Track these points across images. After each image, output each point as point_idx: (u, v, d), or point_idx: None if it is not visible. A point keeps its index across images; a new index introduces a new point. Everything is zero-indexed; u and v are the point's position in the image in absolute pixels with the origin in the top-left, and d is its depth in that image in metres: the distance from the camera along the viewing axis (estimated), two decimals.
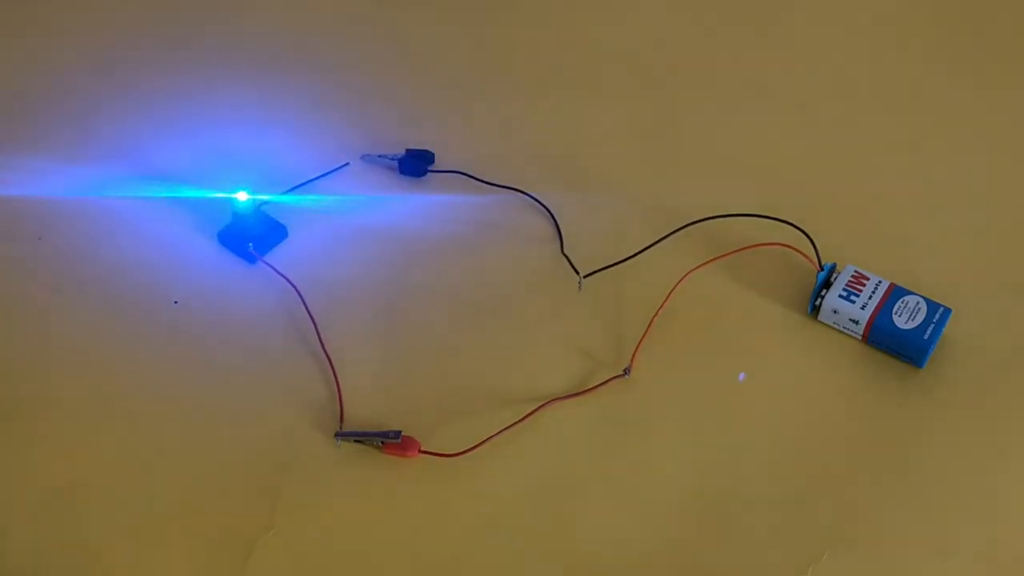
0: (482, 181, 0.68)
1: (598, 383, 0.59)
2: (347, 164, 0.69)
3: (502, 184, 0.68)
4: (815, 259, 0.63)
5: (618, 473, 0.57)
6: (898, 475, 0.56)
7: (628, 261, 0.64)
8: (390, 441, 0.56)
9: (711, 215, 0.65)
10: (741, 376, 0.60)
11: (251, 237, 0.65)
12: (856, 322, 0.60)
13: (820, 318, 0.62)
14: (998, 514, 0.55)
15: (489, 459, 0.56)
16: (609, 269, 0.64)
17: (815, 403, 0.59)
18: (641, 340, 0.61)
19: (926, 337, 0.59)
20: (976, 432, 0.58)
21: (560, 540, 0.54)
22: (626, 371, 0.60)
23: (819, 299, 0.61)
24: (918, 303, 0.60)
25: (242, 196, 0.65)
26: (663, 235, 0.65)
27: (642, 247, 0.64)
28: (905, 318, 0.60)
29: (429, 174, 0.69)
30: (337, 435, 0.57)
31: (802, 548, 0.54)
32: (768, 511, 0.55)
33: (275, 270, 0.64)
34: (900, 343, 0.60)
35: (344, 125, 0.72)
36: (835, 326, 0.62)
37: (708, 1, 0.83)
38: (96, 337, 0.62)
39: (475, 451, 0.56)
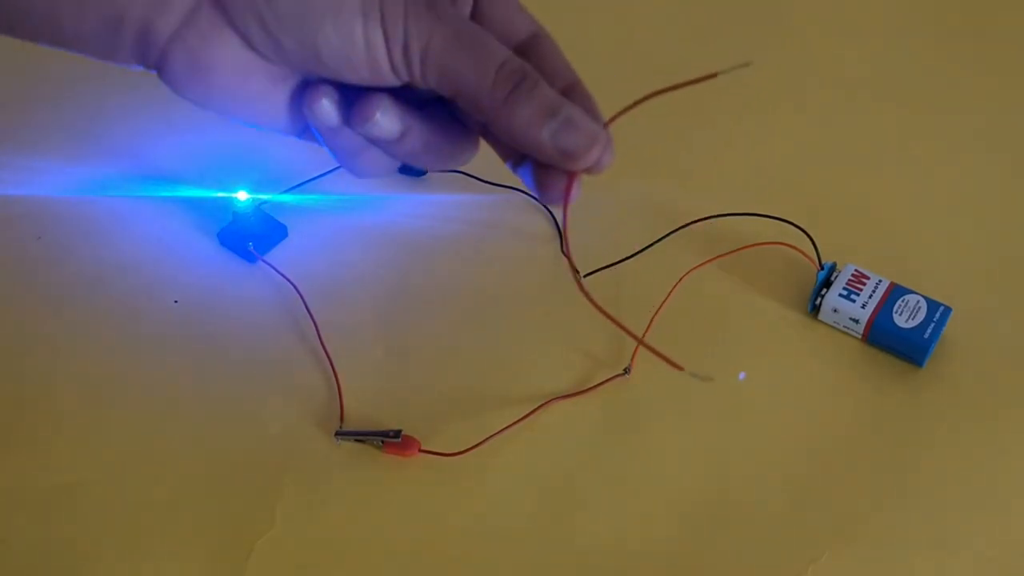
0: (482, 181, 0.68)
1: (598, 383, 0.59)
2: None
3: (502, 184, 0.68)
4: (815, 258, 0.63)
5: (618, 473, 0.57)
6: (898, 474, 0.56)
7: (628, 261, 0.64)
8: (390, 440, 0.56)
9: (711, 215, 0.65)
10: (741, 376, 0.60)
11: (251, 237, 0.65)
12: (856, 321, 0.60)
13: (820, 317, 0.62)
14: (999, 513, 0.55)
15: (489, 459, 0.56)
16: (609, 269, 0.64)
17: (815, 402, 0.59)
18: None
19: (926, 336, 0.59)
20: (976, 431, 0.58)
21: (560, 539, 0.54)
22: (626, 371, 0.60)
23: (819, 298, 0.61)
24: (918, 302, 0.60)
25: (242, 196, 0.65)
26: (663, 235, 0.65)
27: (642, 247, 0.64)
28: (905, 317, 0.60)
29: (429, 174, 0.69)
30: (337, 434, 0.57)
31: (802, 548, 0.54)
32: (768, 510, 0.55)
33: (275, 269, 0.64)
34: (900, 342, 0.60)
35: None
36: (835, 325, 0.62)
37: (709, 1, 0.83)
38: (96, 337, 0.62)
39: (475, 451, 0.56)
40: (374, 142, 0.38)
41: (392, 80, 0.36)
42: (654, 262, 0.64)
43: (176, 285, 0.64)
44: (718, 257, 0.64)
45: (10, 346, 0.62)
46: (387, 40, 0.35)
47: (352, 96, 0.37)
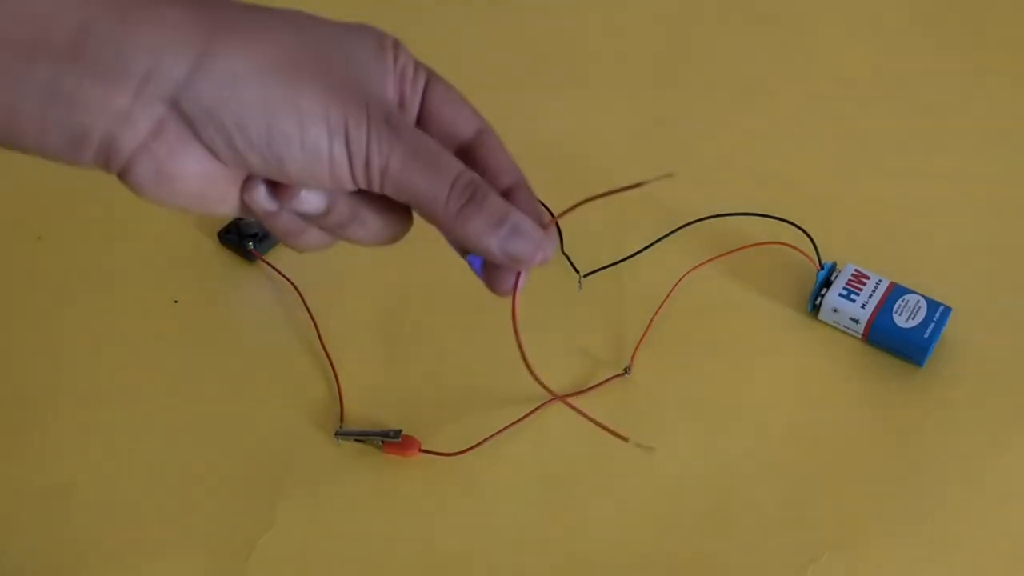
0: None
1: (598, 383, 0.59)
2: None
3: None
4: (815, 258, 0.63)
5: (618, 473, 0.57)
6: (898, 474, 0.56)
7: (628, 260, 0.64)
8: (390, 440, 0.56)
9: (711, 214, 0.65)
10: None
11: (251, 237, 0.65)
12: (856, 321, 0.60)
13: (820, 317, 0.62)
14: (999, 513, 0.55)
15: (489, 459, 0.56)
16: (609, 268, 0.64)
17: (815, 402, 0.59)
18: (641, 339, 0.61)
19: (926, 336, 0.59)
20: (976, 431, 0.58)
21: (560, 540, 0.54)
22: (626, 370, 0.60)
23: (819, 298, 0.61)
24: (918, 302, 0.60)
25: None
26: (663, 235, 0.65)
27: (642, 246, 0.64)
28: (905, 317, 0.60)
29: None
30: (337, 434, 0.57)
31: (802, 548, 0.54)
32: (768, 510, 0.55)
33: (275, 270, 0.64)
34: (900, 342, 0.60)
35: None
36: (835, 325, 0.62)
37: (708, 1, 0.83)
38: (96, 337, 0.62)
39: (475, 450, 0.56)
40: (305, 217, 0.39)
41: (351, 187, 0.38)
42: (654, 262, 0.64)
43: (176, 285, 0.64)
44: (718, 257, 0.64)
45: (10, 346, 0.62)
46: (351, 159, 0.36)
47: None
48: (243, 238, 0.65)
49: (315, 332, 0.61)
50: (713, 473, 0.56)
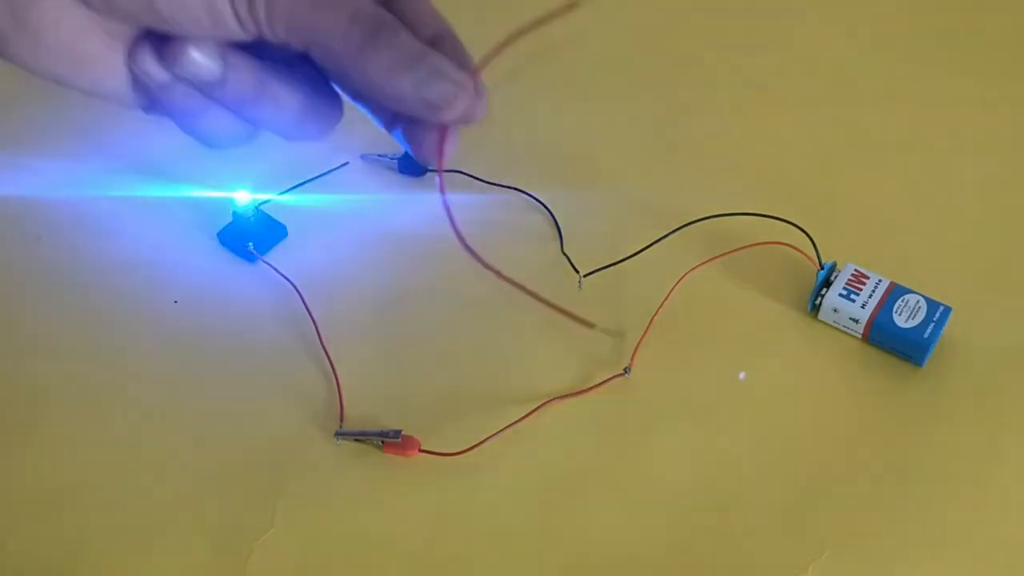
0: (482, 180, 0.68)
1: (598, 382, 0.59)
2: (347, 163, 0.69)
3: (502, 183, 0.68)
4: (815, 258, 0.63)
5: (618, 473, 0.57)
6: (898, 473, 0.56)
7: (628, 260, 0.64)
8: (390, 440, 0.56)
9: (711, 214, 0.65)
10: (742, 376, 0.60)
11: (251, 237, 0.65)
12: (856, 321, 0.60)
13: (820, 317, 0.62)
14: (998, 512, 0.55)
15: (489, 458, 0.56)
16: (609, 268, 0.64)
17: (815, 402, 0.59)
18: (641, 339, 0.61)
19: (926, 336, 0.59)
20: (976, 430, 0.58)
21: (560, 540, 0.54)
22: (626, 370, 0.60)
23: (819, 298, 0.61)
24: (918, 302, 0.60)
25: (242, 196, 0.65)
26: (663, 234, 0.65)
27: (642, 246, 0.64)
28: (905, 317, 0.60)
29: (429, 173, 0.69)
30: (337, 434, 0.57)
31: (802, 547, 0.54)
32: (768, 510, 0.55)
33: (275, 270, 0.64)
34: (900, 342, 0.60)
35: (343, 124, 0.72)
36: (835, 325, 0.62)
37: (708, 0, 0.83)
38: (96, 337, 0.62)
39: (475, 451, 0.56)
40: (203, 89, 0.35)
41: (238, 32, 0.33)
42: (654, 262, 0.64)
43: (176, 285, 0.64)
44: (718, 257, 0.64)
45: (10, 346, 0.62)
46: None
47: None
48: (243, 238, 0.65)
49: (315, 332, 0.61)
50: (713, 473, 0.56)
